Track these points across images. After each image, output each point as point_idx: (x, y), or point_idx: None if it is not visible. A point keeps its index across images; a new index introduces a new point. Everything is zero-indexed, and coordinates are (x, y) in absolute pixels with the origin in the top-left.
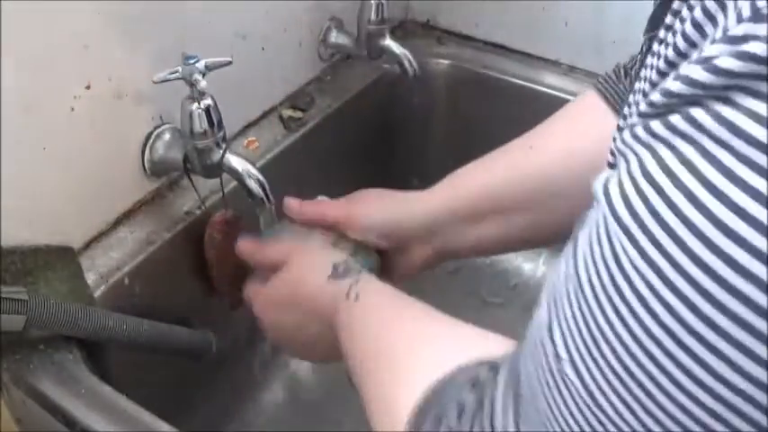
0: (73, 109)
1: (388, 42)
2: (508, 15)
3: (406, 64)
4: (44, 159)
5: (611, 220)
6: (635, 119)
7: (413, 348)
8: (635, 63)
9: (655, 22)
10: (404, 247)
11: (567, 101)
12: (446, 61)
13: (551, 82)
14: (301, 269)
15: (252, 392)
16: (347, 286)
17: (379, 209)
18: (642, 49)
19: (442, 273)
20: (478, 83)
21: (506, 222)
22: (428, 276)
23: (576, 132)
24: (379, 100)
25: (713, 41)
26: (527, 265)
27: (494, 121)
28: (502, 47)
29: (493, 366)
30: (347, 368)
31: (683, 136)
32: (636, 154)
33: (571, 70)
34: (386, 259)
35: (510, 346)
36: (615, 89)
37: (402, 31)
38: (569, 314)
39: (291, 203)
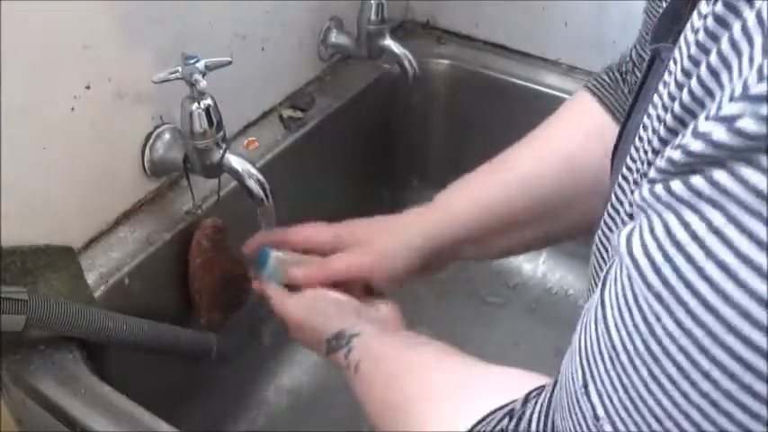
0: (73, 109)
1: (388, 42)
2: (508, 15)
3: (406, 64)
4: (44, 159)
5: (639, 284)
6: (653, 174)
7: (420, 412)
8: (626, 64)
9: (660, 35)
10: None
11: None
12: (446, 61)
13: (551, 82)
14: (305, 342)
15: (252, 392)
16: (343, 358)
17: (403, 254)
18: (641, 61)
19: (442, 273)
20: (478, 83)
21: (520, 234)
22: (428, 277)
23: (579, 139)
24: (379, 100)
25: (733, 99)
26: (527, 265)
27: (494, 121)
28: (502, 47)
29: (510, 413)
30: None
31: (709, 200)
32: (659, 214)
33: (571, 70)
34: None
35: (515, 382)
36: (611, 93)
37: (402, 31)
38: (605, 377)
39: (307, 275)
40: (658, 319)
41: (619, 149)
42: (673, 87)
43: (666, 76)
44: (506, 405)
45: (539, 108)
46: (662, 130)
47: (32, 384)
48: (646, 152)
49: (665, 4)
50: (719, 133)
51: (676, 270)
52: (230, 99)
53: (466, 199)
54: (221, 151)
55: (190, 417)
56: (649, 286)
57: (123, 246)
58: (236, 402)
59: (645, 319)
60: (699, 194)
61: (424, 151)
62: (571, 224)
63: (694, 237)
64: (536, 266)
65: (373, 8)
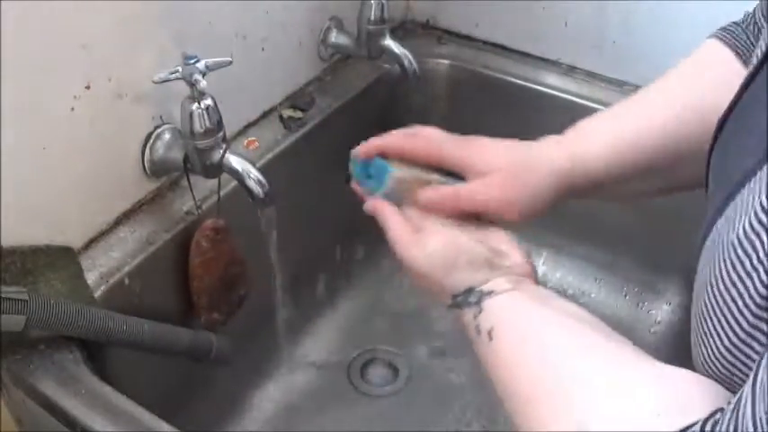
0: (73, 109)
1: (388, 42)
2: (508, 15)
3: (406, 64)
4: (44, 159)
5: None
6: None
7: (573, 401)
8: (752, 25)
9: None
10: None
11: (567, 101)
12: (446, 61)
13: (551, 82)
14: (421, 284)
15: (251, 392)
16: (472, 318)
17: (540, 193)
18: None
19: None
20: (478, 83)
21: (650, 183)
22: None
23: (709, 87)
24: (379, 100)
25: None
26: None
27: (493, 121)
28: (502, 47)
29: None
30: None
31: None
32: None
33: (571, 70)
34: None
35: (689, 391)
36: (742, 43)
37: (402, 31)
38: None
39: (430, 195)
40: None
41: (731, 141)
42: None
43: None
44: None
45: (539, 108)
46: None
47: (32, 384)
48: None
49: None
50: None
51: None
52: (230, 99)
53: (604, 139)
54: (221, 151)
55: (190, 417)
56: None
57: (123, 246)
58: (235, 402)
59: None
60: None
61: None
62: (699, 173)
63: None
64: (536, 266)
65: (373, 8)
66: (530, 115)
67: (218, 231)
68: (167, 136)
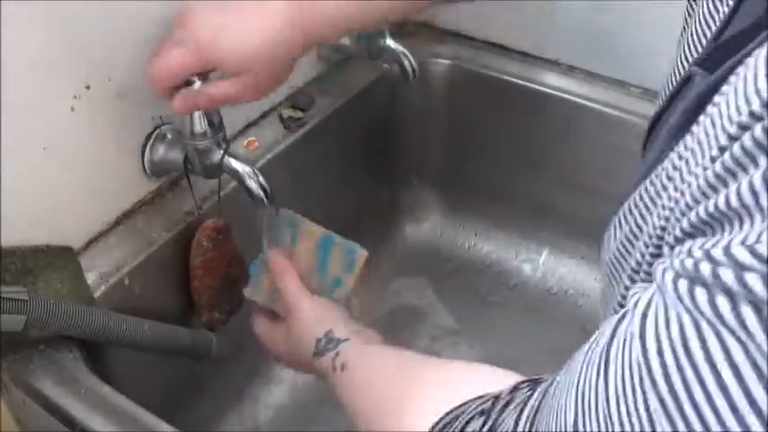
0: (73, 109)
1: (388, 42)
2: (508, 15)
3: (406, 64)
4: (44, 159)
5: (646, 378)
6: (677, 264)
7: (408, 395)
8: None
9: (706, 61)
10: None
11: (566, 101)
12: (446, 61)
13: (551, 82)
14: (292, 343)
15: (252, 392)
16: (330, 361)
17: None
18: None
19: (442, 273)
20: (478, 83)
21: None
22: (428, 276)
23: None
24: (379, 100)
25: (754, 224)
26: (527, 265)
27: (493, 121)
28: (502, 47)
29: (483, 413)
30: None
31: (731, 331)
32: (677, 313)
33: (571, 70)
34: None
35: (493, 379)
36: None
37: (402, 31)
38: (596, 430)
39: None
40: (658, 418)
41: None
42: (715, 142)
43: (708, 128)
44: (474, 401)
45: (539, 108)
46: (696, 192)
47: (32, 384)
48: (676, 201)
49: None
50: (742, 254)
51: (686, 385)
52: None
53: None
54: (221, 152)
55: (190, 417)
56: (656, 386)
57: (123, 246)
58: (235, 402)
59: (647, 408)
60: (721, 318)
61: (424, 151)
62: None
63: (710, 362)
64: (536, 266)
65: None
66: (530, 115)
67: (220, 231)
68: (167, 136)
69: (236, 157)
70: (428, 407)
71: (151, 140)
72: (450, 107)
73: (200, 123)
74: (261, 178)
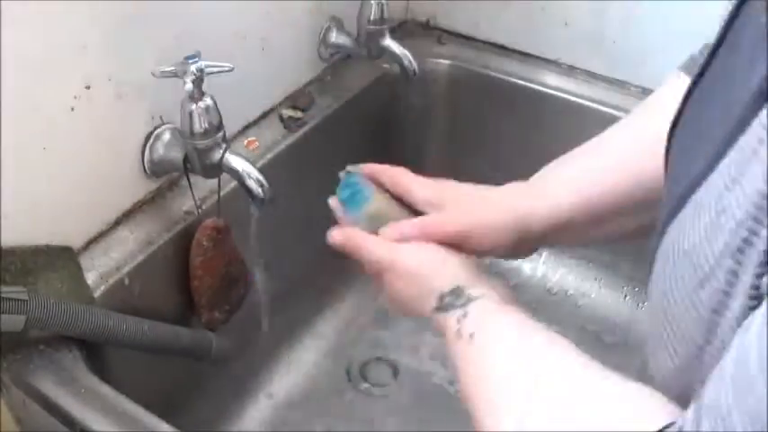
0: (73, 109)
1: (388, 42)
2: (508, 15)
3: (406, 64)
4: (44, 159)
5: None
6: None
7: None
8: None
9: None
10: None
11: (567, 101)
12: (446, 61)
13: (551, 82)
14: (402, 293)
15: (251, 392)
16: (455, 322)
17: (500, 226)
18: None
19: None
20: (478, 83)
21: (620, 222)
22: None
23: None
24: (379, 100)
25: None
26: (527, 264)
27: (494, 121)
28: (502, 47)
29: None
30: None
31: None
32: None
33: (571, 70)
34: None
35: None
36: None
37: (402, 31)
38: None
39: (405, 230)
40: None
41: (684, 135)
42: None
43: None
44: None
45: (539, 108)
46: None
47: (32, 384)
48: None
49: None
50: None
51: None
52: (230, 99)
53: (564, 186)
54: (221, 151)
55: (190, 417)
56: None
57: (123, 246)
58: (235, 402)
59: None
60: None
61: (424, 151)
62: None
63: None
64: (536, 266)
65: (373, 8)
66: (530, 115)
67: (220, 231)
68: (167, 136)
69: (235, 157)
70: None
71: (151, 140)
72: (451, 107)
73: (199, 123)
74: (261, 178)
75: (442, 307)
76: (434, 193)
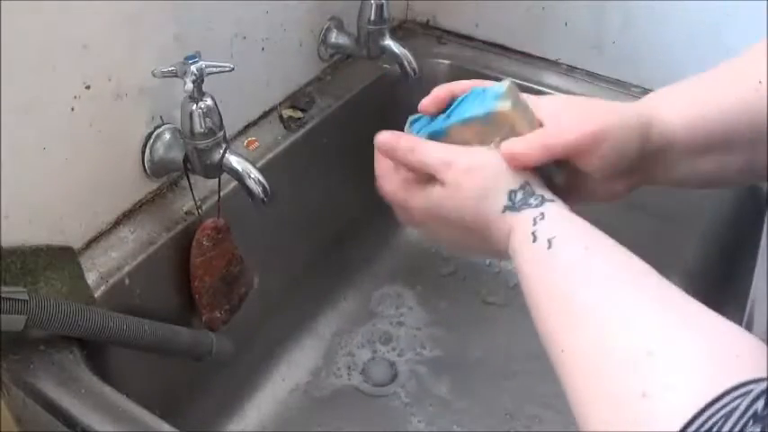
0: (73, 109)
1: (388, 42)
2: (508, 15)
3: (406, 64)
4: (44, 159)
5: None
6: None
7: (650, 346)
8: None
9: None
10: (613, 174)
11: None
12: (446, 61)
13: (551, 82)
14: (465, 192)
15: (252, 392)
16: (529, 221)
17: (625, 132)
18: None
19: (443, 273)
20: None
21: (726, 159)
22: (428, 276)
23: None
24: (379, 100)
25: None
26: None
27: None
28: (502, 47)
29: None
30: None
31: None
32: None
33: (571, 70)
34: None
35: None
36: None
37: (402, 31)
38: None
39: (528, 141)
40: None
41: None
42: None
43: None
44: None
45: None
46: None
47: (32, 384)
48: None
49: None
50: None
51: None
52: (230, 99)
53: (685, 99)
54: (221, 151)
55: (190, 417)
56: None
57: (123, 246)
58: (235, 402)
59: None
60: None
61: None
62: None
63: None
64: None
65: (373, 8)
66: None
67: (220, 230)
68: (167, 136)
69: (235, 157)
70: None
71: (151, 140)
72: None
73: (200, 123)
74: (261, 178)
75: (514, 205)
76: (540, 106)
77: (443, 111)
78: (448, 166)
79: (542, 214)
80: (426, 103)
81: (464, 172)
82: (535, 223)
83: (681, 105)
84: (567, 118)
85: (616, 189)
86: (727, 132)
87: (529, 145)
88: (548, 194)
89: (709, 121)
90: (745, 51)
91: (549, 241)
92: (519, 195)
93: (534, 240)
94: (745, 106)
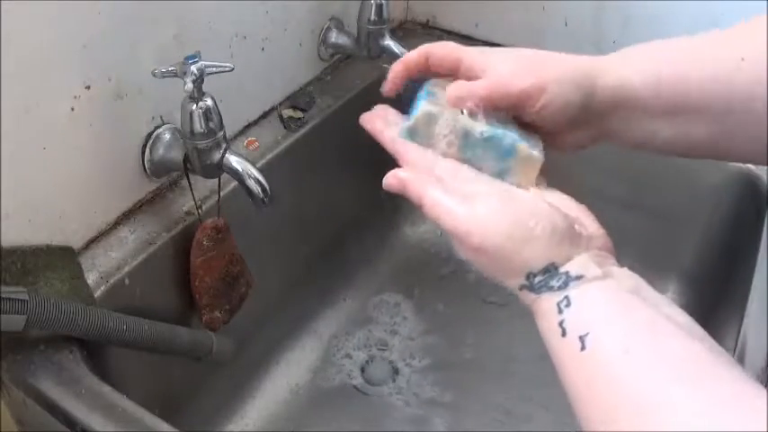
0: (73, 109)
1: (388, 42)
2: (508, 15)
3: None
4: (44, 159)
5: None
6: None
7: None
8: None
9: None
10: (566, 126)
11: None
12: None
13: None
14: (478, 266)
15: (252, 392)
16: (553, 308)
17: (567, 80)
18: None
19: (442, 273)
20: None
21: (688, 128)
22: (428, 276)
23: None
24: (380, 100)
25: None
26: None
27: None
28: (502, 47)
29: None
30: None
31: None
32: None
33: None
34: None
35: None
36: None
37: (402, 31)
38: None
39: (473, 90)
40: None
41: None
42: None
43: None
44: None
45: None
46: None
47: (32, 384)
48: None
49: None
50: None
51: None
52: (230, 99)
53: (638, 59)
54: (221, 151)
55: (190, 417)
56: None
57: (123, 246)
58: (235, 402)
59: None
60: None
61: None
62: (748, 141)
63: None
64: None
65: (373, 8)
66: None
67: (220, 230)
68: (167, 136)
69: (235, 157)
70: None
71: (151, 140)
72: None
73: (200, 123)
74: (261, 178)
75: (532, 287)
76: (487, 56)
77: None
78: (460, 242)
79: (567, 299)
80: (388, 89)
81: (474, 251)
82: (560, 311)
83: (642, 63)
84: (510, 70)
85: (578, 140)
86: (694, 99)
87: (471, 90)
88: (575, 268)
89: (673, 84)
90: (740, 24)
91: (582, 340)
92: (538, 279)
93: (564, 335)
94: (720, 78)
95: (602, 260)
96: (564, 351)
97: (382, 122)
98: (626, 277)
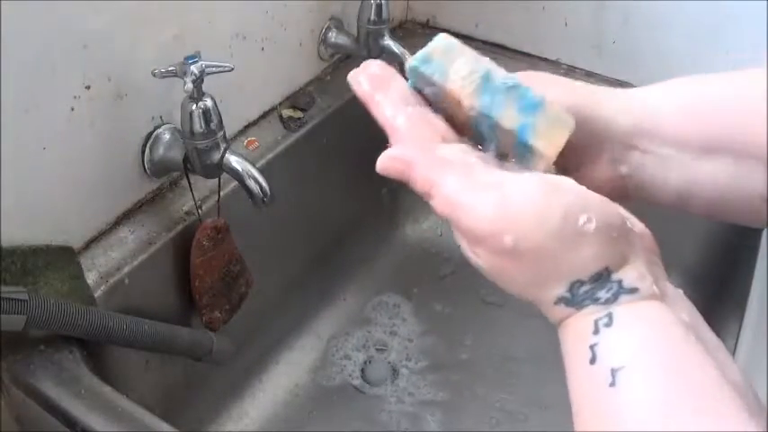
0: (73, 109)
1: (388, 42)
2: (508, 15)
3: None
4: (44, 159)
5: None
6: None
7: None
8: None
9: None
10: (584, 157)
11: None
12: None
13: None
14: (510, 275)
15: (251, 392)
16: (589, 324)
17: (568, 92)
18: None
19: (442, 273)
20: None
21: (705, 165)
22: (427, 276)
23: None
24: None
25: None
26: None
27: None
28: (502, 47)
29: None
30: None
31: None
32: None
33: (571, 70)
34: None
35: None
36: None
37: (402, 30)
38: None
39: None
40: None
41: None
42: None
43: None
44: None
45: None
46: None
47: (32, 384)
48: None
49: None
50: None
51: None
52: (230, 99)
53: (666, 90)
54: (221, 151)
55: (189, 417)
56: None
57: (123, 246)
58: (235, 402)
59: None
60: None
61: None
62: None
63: None
64: None
65: (373, 8)
66: None
67: (219, 230)
68: (167, 136)
69: (235, 157)
70: None
71: (151, 140)
72: None
73: (199, 123)
74: (261, 178)
75: (573, 299)
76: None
77: None
78: (481, 244)
79: (609, 317)
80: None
81: (505, 255)
82: (597, 331)
83: (677, 100)
84: None
85: (608, 179)
86: (724, 133)
87: None
88: (629, 277)
89: (705, 120)
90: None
91: (614, 375)
92: (584, 288)
93: (593, 362)
94: (745, 105)
95: (656, 270)
96: (587, 379)
97: (377, 84)
98: (683, 304)
